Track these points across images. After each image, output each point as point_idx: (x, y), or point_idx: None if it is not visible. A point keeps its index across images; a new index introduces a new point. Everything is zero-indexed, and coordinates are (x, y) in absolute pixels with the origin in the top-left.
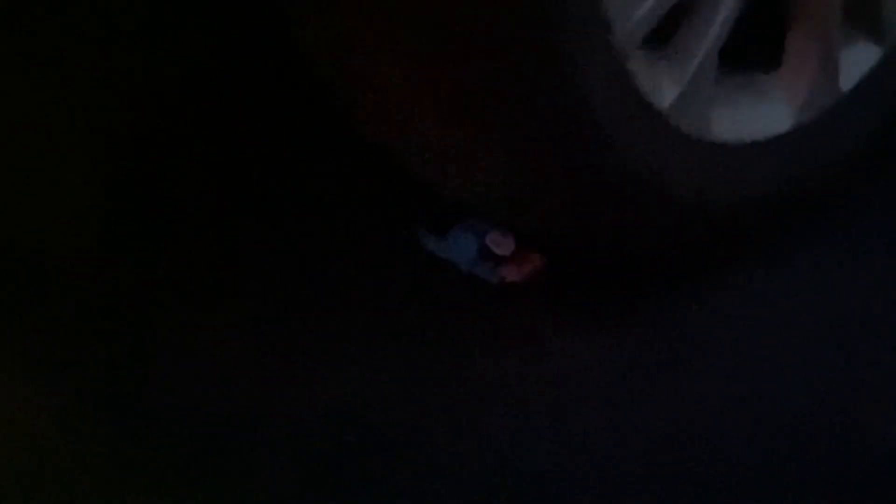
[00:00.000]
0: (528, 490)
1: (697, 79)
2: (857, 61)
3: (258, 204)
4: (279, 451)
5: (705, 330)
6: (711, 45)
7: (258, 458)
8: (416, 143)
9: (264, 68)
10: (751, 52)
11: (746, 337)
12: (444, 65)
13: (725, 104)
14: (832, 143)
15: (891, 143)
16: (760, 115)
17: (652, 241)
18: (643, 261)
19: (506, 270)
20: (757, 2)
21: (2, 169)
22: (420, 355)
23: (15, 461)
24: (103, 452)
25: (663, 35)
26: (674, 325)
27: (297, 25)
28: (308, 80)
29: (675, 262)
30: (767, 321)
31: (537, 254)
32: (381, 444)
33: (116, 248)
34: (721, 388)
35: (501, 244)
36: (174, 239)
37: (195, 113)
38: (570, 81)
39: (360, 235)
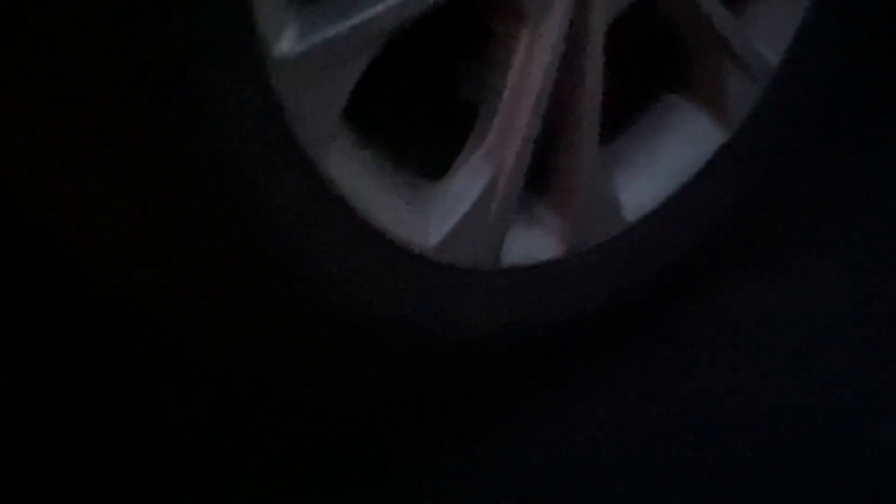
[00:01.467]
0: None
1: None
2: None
3: None
4: (279, 452)
5: (705, 332)
6: None
7: (259, 458)
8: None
9: None
10: None
11: (745, 341)
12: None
13: None
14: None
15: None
16: None
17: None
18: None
19: None
20: None
21: None
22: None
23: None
24: (99, 453)
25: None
26: (673, 329)
27: None
28: None
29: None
30: (766, 326)
31: None
32: (383, 450)
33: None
34: (722, 395)
35: None
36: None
37: None
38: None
39: None
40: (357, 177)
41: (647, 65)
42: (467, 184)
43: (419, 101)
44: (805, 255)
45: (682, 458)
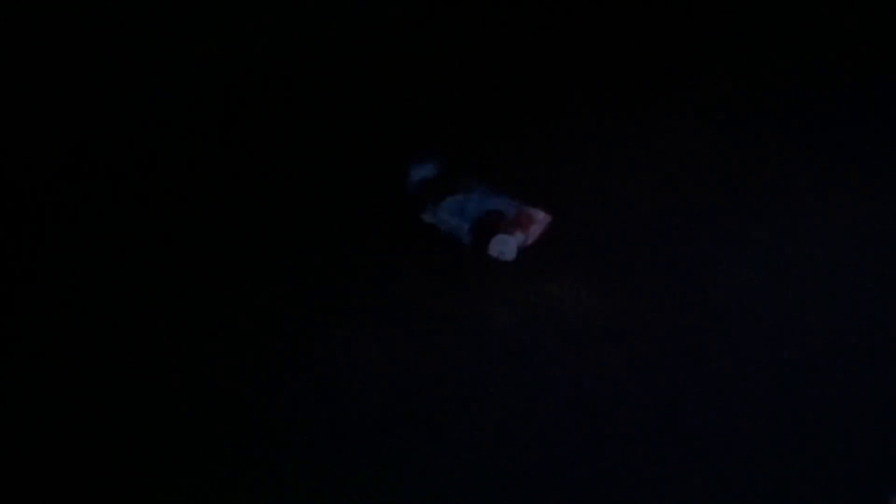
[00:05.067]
0: (539, 450)
1: None
2: None
3: (272, 193)
4: (293, 416)
5: (708, 286)
6: None
7: (276, 428)
8: None
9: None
10: None
11: (745, 294)
12: None
13: None
14: None
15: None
16: None
17: None
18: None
19: (515, 239)
20: None
21: None
22: (430, 321)
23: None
24: (116, 432)
25: None
26: (678, 282)
27: None
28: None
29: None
30: (763, 284)
31: (542, 212)
32: (399, 404)
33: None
34: (725, 345)
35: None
36: (193, 226)
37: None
38: None
39: (367, 218)
40: None
41: None
42: None
43: None
44: (812, 212)
45: (686, 416)
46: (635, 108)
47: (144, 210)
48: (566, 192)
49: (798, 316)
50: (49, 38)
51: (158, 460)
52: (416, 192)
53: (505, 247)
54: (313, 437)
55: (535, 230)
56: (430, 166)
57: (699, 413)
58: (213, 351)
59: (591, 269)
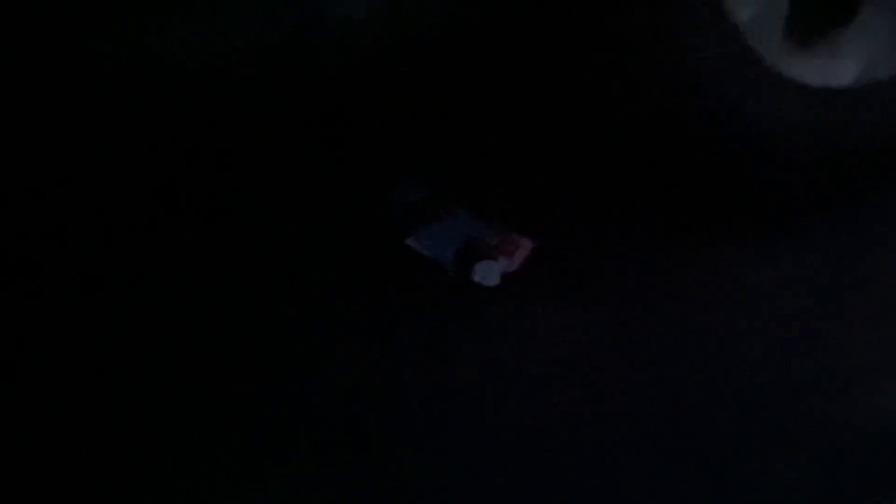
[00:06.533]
0: (529, 461)
1: None
2: None
3: (258, 212)
4: (279, 431)
5: (688, 308)
6: None
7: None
8: None
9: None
10: None
11: (727, 314)
12: None
13: None
14: None
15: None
16: None
17: None
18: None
19: (499, 265)
20: None
21: None
22: (413, 347)
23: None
24: (109, 438)
25: None
26: (660, 303)
27: None
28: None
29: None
30: (745, 304)
31: (525, 238)
32: (385, 421)
33: (125, 244)
34: (709, 356)
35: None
36: (183, 239)
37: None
38: None
39: (349, 243)
40: None
41: None
42: None
43: None
44: (799, 232)
45: (676, 429)
46: (619, 131)
47: (140, 212)
48: (551, 218)
49: (791, 336)
50: (49, 38)
51: (157, 461)
52: (400, 216)
53: (488, 272)
54: (301, 442)
55: (519, 256)
56: (414, 191)
57: (691, 438)
58: (209, 353)
59: (576, 295)
